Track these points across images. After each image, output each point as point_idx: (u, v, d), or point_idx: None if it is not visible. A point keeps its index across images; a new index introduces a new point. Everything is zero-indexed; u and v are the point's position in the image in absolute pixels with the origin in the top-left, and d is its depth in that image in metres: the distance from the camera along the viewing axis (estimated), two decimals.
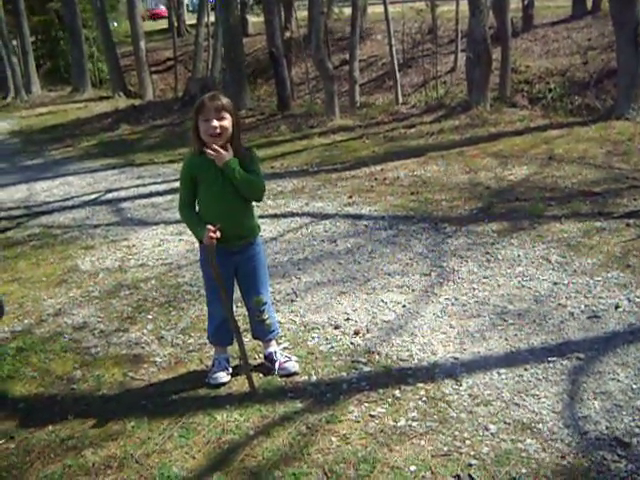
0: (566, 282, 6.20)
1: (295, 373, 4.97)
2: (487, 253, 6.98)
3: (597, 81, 19.47)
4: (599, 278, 6.25)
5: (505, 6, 17.94)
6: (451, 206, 8.66)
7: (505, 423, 4.25)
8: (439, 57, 22.97)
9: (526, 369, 4.82)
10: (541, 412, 4.35)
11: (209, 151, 4.53)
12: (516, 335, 5.28)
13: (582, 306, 5.73)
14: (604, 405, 4.40)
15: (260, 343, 5.20)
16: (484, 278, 6.40)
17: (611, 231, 7.37)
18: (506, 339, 5.24)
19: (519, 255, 6.89)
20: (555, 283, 6.20)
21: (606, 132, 11.86)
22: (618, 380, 4.66)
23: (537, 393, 4.55)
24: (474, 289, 6.16)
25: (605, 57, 20.58)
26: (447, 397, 4.56)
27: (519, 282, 6.25)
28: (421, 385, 4.71)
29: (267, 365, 5.09)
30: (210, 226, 4.50)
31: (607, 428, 4.18)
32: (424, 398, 4.56)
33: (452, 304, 5.91)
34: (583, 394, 4.53)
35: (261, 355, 5.18)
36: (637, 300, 5.79)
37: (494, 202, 8.64)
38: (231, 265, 4.81)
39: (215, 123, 4.53)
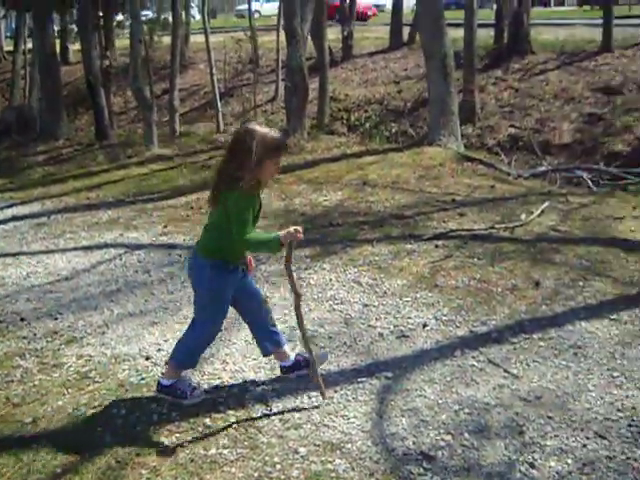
0: (376, 304, 6.32)
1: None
2: (299, 278, 6.98)
3: (412, 109, 20.13)
4: (408, 298, 6.42)
5: (322, 35, 18.28)
6: None
7: (315, 445, 4.30)
8: (261, 86, 23.14)
9: (336, 391, 4.88)
10: (350, 432, 4.42)
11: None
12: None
13: (391, 326, 5.86)
14: (411, 421, 4.52)
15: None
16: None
17: (420, 253, 7.59)
18: None
19: (331, 279, 6.97)
20: (365, 305, 6.32)
21: (419, 157, 12.20)
22: (425, 396, 4.81)
23: (346, 414, 4.62)
24: (285, 314, 6.16)
25: (420, 86, 21.27)
26: (257, 423, 4.57)
27: (330, 306, 6.32)
28: (232, 412, 4.70)
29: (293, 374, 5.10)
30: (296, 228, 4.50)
31: (414, 443, 4.29)
32: (235, 425, 4.55)
33: None
34: (391, 412, 4.64)
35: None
36: (444, 318, 5.99)
37: (308, 228, 8.64)
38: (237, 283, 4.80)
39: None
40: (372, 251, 7.67)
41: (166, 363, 5.15)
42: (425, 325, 5.87)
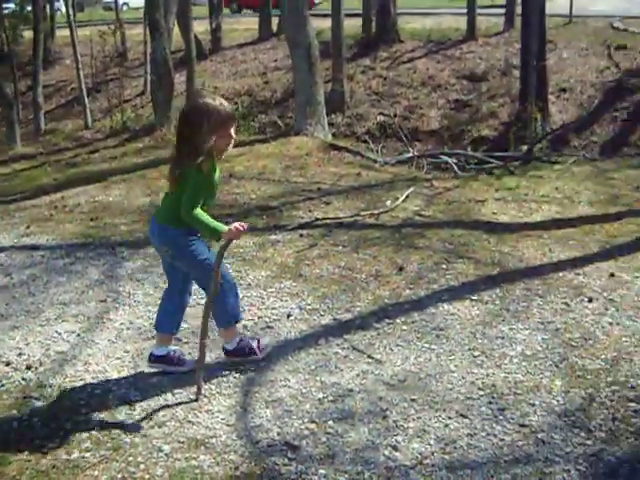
0: (240, 296, 6.24)
1: None
2: (162, 275, 6.86)
3: (282, 99, 20.25)
4: (272, 289, 6.44)
5: (189, 27, 18.05)
6: (130, 229, 8.47)
7: (179, 442, 4.27)
8: (130, 80, 22.86)
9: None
10: (215, 427, 4.41)
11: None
12: (190, 353, 5.28)
13: (256, 318, 5.87)
14: (276, 412, 4.54)
15: None
16: (159, 300, 6.25)
17: (285, 243, 7.61)
18: None
19: None
20: None
21: (285, 148, 12.21)
22: (289, 386, 4.83)
23: (211, 408, 4.61)
24: (150, 311, 6.08)
25: (289, 77, 21.34)
26: (121, 423, 4.50)
27: (194, 300, 6.18)
28: (95, 414, 4.62)
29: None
30: (241, 222, 4.54)
31: (278, 434, 4.31)
32: (97, 427, 4.47)
33: (127, 328, 5.83)
34: (256, 404, 4.65)
35: None
36: (308, 307, 6.04)
37: None
38: None
39: (233, 132, 4.64)
40: (237, 243, 7.55)
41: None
42: (289, 315, 5.89)
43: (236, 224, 4.51)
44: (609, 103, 19.17)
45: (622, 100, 19.21)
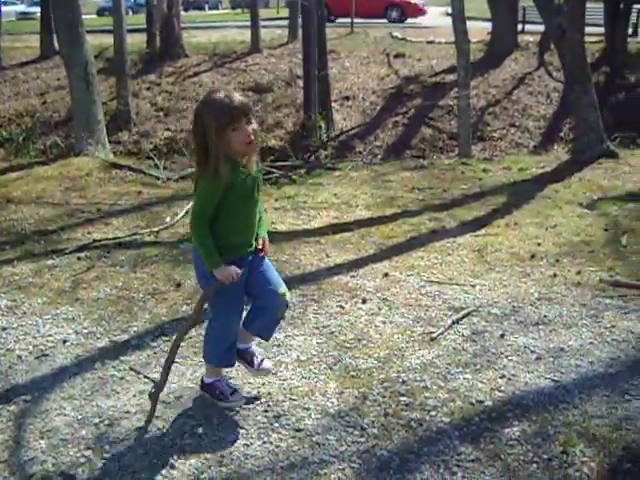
0: (15, 325, 6.11)
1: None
2: None
3: (67, 119, 19.78)
4: (48, 316, 6.27)
5: None
6: None
7: None
8: None
9: None
10: None
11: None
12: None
13: (30, 347, 5.70)
14: (51, 442, 4.45)
15: None
16: None
17: (62, 267, 7.43)
18: None
19: None
20: (4, 328, 6.07)
21: (66, 169, 11.87)
22: (65, 414, 4.75)
23: None
24: None
25: None
26: None
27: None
28: None
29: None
30: (237, 268, 4.20)
31: (53, 465, 4.24)
32: None
33: None
34: (29, 436, 4.54)
35: None
36: (84, 332, 5.94)
37: None
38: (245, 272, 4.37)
39: (250, 128, 4.02)
40: (12, 271, 7.35)
41: None
42: (65, 341, 5.78)
43: (232, 267, 4.22)
44: (390, 109, 20.01)
45: (402, 105, 20.09)
